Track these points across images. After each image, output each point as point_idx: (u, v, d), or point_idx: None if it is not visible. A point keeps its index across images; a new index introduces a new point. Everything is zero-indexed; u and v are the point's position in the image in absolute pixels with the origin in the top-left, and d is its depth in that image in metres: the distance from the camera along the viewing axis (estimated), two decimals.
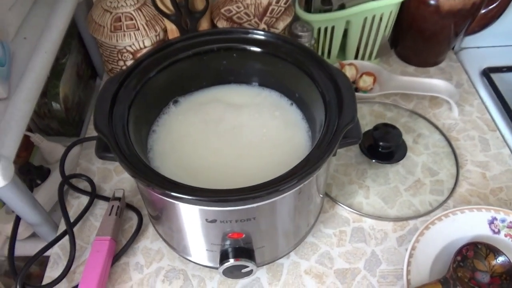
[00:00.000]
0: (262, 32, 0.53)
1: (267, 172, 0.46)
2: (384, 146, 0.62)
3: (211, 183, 0.45)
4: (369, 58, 0.79)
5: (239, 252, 0.46)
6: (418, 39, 0.77)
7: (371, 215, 0.59)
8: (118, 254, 0.55)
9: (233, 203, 0.39)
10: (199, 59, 0.53)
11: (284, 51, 0.51)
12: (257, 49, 0.52)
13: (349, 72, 0.75)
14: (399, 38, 0.81)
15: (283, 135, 0.52)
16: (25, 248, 0.61)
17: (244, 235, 0.45)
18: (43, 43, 0.59)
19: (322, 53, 0.79)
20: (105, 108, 0.44)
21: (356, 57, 0.79)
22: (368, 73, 0.75)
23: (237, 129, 0.52)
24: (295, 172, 0.40)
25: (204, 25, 0.71)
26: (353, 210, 0.60)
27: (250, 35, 0.53)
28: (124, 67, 0.73)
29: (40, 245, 0.55)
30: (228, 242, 0.46)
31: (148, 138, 0.51)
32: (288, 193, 0.41)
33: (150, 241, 0.57)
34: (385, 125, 0.64)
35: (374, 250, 0.56)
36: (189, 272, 0.54)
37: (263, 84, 0.57)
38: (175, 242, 0.52)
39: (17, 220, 0.54)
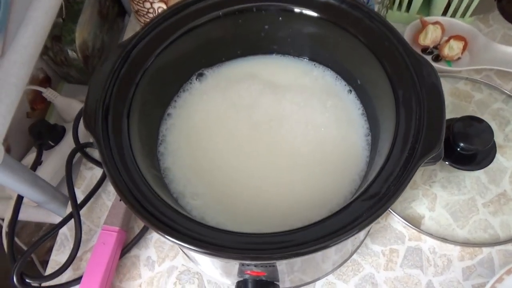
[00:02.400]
0: None
1: (306, 192, 0.35)
2: (466, 148, 0.48)
3: (233, 201, 0.36)
4: (463, 15, 0.60)
5: (259, 285, 0.37)
6: None
7: (433, 234, 0.47)
8: (128, 244, 0.48)
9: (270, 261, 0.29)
10: (232, 21, 0.40)
11: (350, 21, 0.37)
12: (312, 13, 0.38)
13: (433, 34, 0.58)
14: None
15: (333, 136, 0.39)
16: (38, 215, 0.57)
17: (266, 274, 0.35)
18: None
19: (400, 4, 0.61)
20: (102, 95, 0.34)
21: (444, 13, 0.60)
22: (458, 37, 0.57)
23: (274, 123, 0.40)
24: (347, 222, 0.28)
25: None
26: (410, 225, 0.48)
27: None
28: (151, 10, 0.61)
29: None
30: (247, 276, 0.37)
31: (161, 125, 0.41)
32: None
33: None
34: (472, 118, 0.48)
35: (432, 281, 0.45)
36: (205, 277, 0.47)
37: (315, 59, 0.43)
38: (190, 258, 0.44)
39: (19, 199, 0.48)
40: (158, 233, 0.29)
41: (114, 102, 0.34)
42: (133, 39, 0.36)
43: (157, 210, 0.30)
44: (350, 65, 0.40)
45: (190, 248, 0.28)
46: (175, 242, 0.29)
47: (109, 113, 0.33)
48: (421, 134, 0.31)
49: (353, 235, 0.28)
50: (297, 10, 0.38)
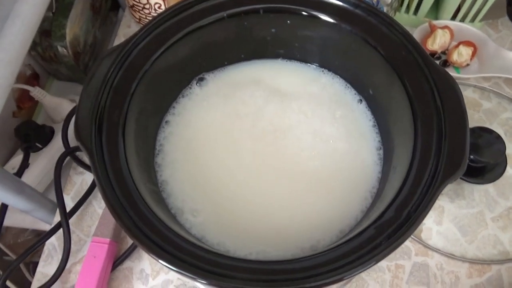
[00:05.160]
0: None
1: (314, 210, 0.33)
2: (476, 161, 0.46)
3: (235, 218, 0.33)
4: (473, 20, 0.58)
5: None
6: None
7: (440, 249, 0.45)
8: (121, 256, 0.45)
9: None
10: (237, 23, 0.37)
11: (366, 27, 0.34)
12: (325, 18, 0.35)
13: (441, 39, 0.56)
14: None
15: (342, 149, 0.37)
16: (25, 222, 0.53)
17: None
18: None
19: (408, 7, 0.58)
20: (96, 104, 0.31)
21: (454, 17, 0.58)
22: (467, 43, 0.55)
23: (279, 133, 0.37)
24: (363, 252, 0.26)
25: None
26: (417, 239, 0.46)
27: None
28: (147, 6, 0.58)
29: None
30: None
31: (159, 134, 0.38)
32: None
33: None
34: (483, 130, 0.47)
35: None
36: None
37: (325, 65, 0.40)
38: None
39: (3, 207, 0.44)
40: (152, 257, 0.27)
41: (109, 111, 0.31)
42: (130, 41, 0.33)
43: (151, 229, 0.27)
44: (362, 74, 0.38)
45: (186, 275, 0.26)
46: (170, 268, 0.26)
47: (103, 123, 0.30)
48: (443, 154, 0.28)
49: (370, 266, 0.25)
50: (307, 13, 0.36)
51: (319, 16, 0.35)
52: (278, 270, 0.26)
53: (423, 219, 0.26)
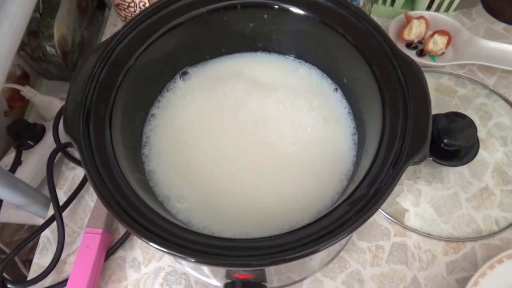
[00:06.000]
0: None
1: (294, 194, 0.35)
2: (449, 144, 0.48)
3: (219, 203, 0.35)
4: (447, 9, 0.60)
5: (247, 287, 0.37)
6: None
7: (418, 229, 0.48)
8: (113, 246, 0.47)
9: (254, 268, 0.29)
10: (216, 18, 0.39)
11: (337, 19, 0.36)
12: (298, 11, 0.37)
13: (417, 29, 0.58)
14: None
15: (319, 136, 0.39)
16: (19, 217, 0.55)
17: (254, 276, 0.35)
18: None
19: (384, 0, 0.60)
20: (83, 98, 0.33)
21: (429, 8, 0.60)
22: (442, 32, 0.57)
23: (260, 123, 0.39)
24: (335, 226, 0.28)
25: None
26: (396, 220, 0.48)
27: None
28: (132, 4, 0.59)
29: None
30: (234, 278, 0.36)
31: (145, 126, 0.40)
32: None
33: None
34: (456, 114, 0.49)
35: (416, 276, 0.46)
36: (192, 278, 0.46)
37: (301, 57, 0.42)
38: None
39: None
40: (141, 239, 0.29)
41: (95, 105, 0.33)
42: (114, 38, 0.35)
43: (140, 215, 0.29)
44: (336, 64, 0.40)
45: (174, 255, 0.28)
46: (159, 249, 0.28)
47: (90, 116, 0.32)
48: (407, 136, 0.30)
49: (342, 239, 0.28)
50: (282, 7, 0.37)
51: (290, 9, 0.37)
52: (259, 246, 0.28)
53: (388, 195, 0.29)
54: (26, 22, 0.45)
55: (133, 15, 0.61)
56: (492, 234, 0.47)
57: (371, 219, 0.45)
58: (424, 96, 0.32)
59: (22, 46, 0.58)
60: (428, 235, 0.48)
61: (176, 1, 0.38)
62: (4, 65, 0.42)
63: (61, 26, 0.58)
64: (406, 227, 0.48)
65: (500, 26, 0.62)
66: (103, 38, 0.65)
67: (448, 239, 0.47)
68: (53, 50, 0.57)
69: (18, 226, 0.79)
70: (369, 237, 0.48)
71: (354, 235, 0.48)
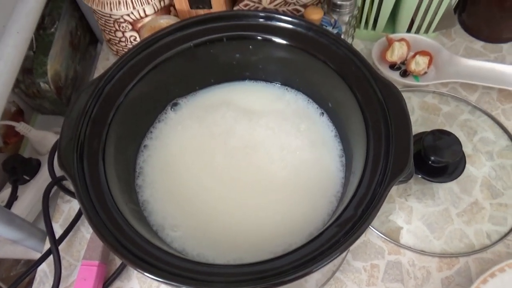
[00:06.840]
0: (288, 19, 0.39)
1: (285, 217, 0.36)
2: (436, 161, 0.49)
3: (213, 230, 0.36)
4: (427, 31, 0.63)
5: None
6: (494, 6, 0.60)
7: (411, 247, 0.48)
8: (110, 277, 0.47)
9: None
10: (204, 51, 0.41)
11: (318, 47, 0.38)
12: (281, 41, 0.39)
13: (399, 51, 0.60)
14: (467, 2, 0.64)
15: (308, 159, 0.40)
16: (15, 252, 0.55)
17: None
18: (16, 20, 0.47)
19: (366, 23, 0.63)
20: (76, 134, 0.34)
21: (409, 30, 0.63)
22: (423, 53, 0.59)
23: (250, 149, 0.41)
24: (325, 248, 0.29)
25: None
26: (389, 239, 0.49)
27: (271, 22, 0.39)
28: (123, 39, 0.61)
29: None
30: None
31: (138, 157, 0.41)
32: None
33: None
34: (441, 132, 0.50)
35: None
36: None
37: (287, 83, 0.44)
38: None
39: None
40: (136, 270, 0.29)
41: (88, 140, 0.34)
42: (105, 75, 0.36)
43: (134, 246, 0.30)
44: (320, 89, 0.41)
45: (169, 284, 0.29)
46: (154, 279, 0.29)
47: (83, 151, 0.33)
48: (390, 156, 0.32)
49: (332, 260, 0.28)
50: (266, 38, 0.39)
51: (273, 39, 0.38)
52: (252, 271, 0.29)
53: (375, 215, 0.29)
54: (20, 62, 0.47)
55: (124, 49, 0.63)
56: (485, 248, 0.48)
57: (364, 238, 0.46)
58: (403, 116, 0.33)
59: (17, 84, 0.59)
60: (422, 252, 0.48)
61: (165, 36, 0.39)
62: (0, 103, 0.43)
63: (55, 63, 0.60)
64: (399, 245, 0.49)
65: (478, 44, 0.65)
66: (96, 72, 0.67)
67: (442, 255, 0.48)
68: (47, 86, 0.59)
69: (14, 261, 0.78)
70: (364, 257, 0.48)
71: (349, 255, 0.48)
